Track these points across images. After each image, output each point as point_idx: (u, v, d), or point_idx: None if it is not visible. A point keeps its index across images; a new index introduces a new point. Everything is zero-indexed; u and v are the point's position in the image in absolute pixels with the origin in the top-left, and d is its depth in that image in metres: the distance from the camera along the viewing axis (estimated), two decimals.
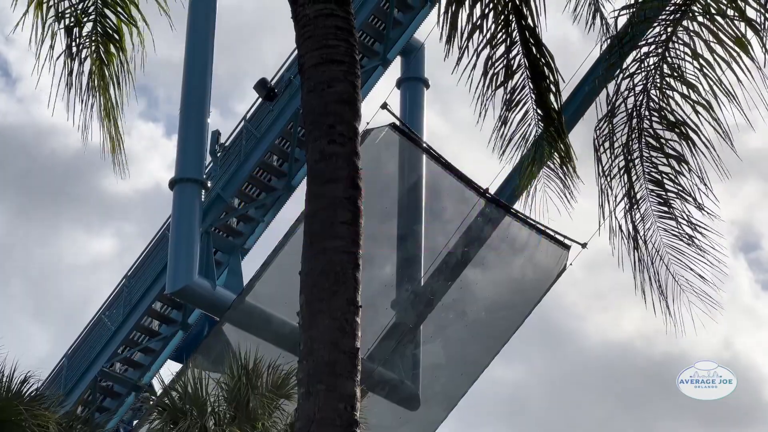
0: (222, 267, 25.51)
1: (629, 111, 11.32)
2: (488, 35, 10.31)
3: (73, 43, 11.05)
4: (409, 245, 25.30)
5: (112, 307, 26.31)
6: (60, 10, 10.96)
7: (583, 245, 24.61)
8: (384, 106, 22.75)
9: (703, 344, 47.71)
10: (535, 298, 25.49)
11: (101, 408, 26.29)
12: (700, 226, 11.68)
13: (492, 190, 24.61)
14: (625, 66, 11.19)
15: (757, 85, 10.70)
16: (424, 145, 24.68)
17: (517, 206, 25.48)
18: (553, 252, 25.08)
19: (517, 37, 10.38)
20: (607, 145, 11.54)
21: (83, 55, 11.13)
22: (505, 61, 10.47)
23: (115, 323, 25.77)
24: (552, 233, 24.91)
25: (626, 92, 11.25)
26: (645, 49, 11.29)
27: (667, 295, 11.87)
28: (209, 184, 24.73)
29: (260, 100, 25.70)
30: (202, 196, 24.52)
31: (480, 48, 10.35)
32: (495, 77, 10.60)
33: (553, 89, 10.64)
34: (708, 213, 11.59)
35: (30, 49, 10.87)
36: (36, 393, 16.76)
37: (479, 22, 10.23)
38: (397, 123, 23.66)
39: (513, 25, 10.29)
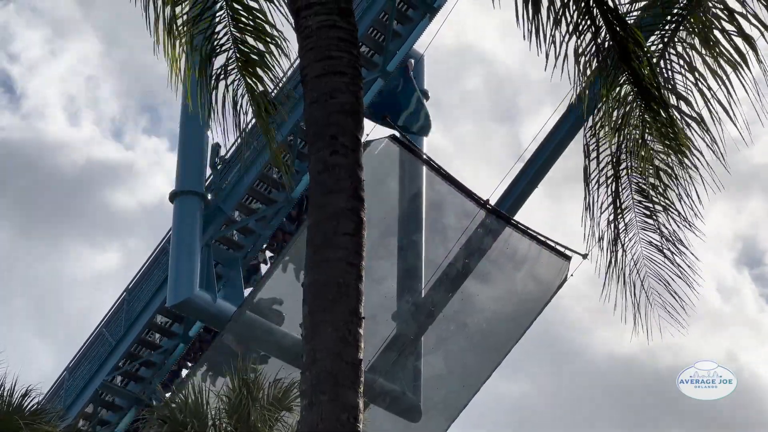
0: (222, 280, 25.49)
1: (619, 120, 11.29)
2: (572, 24, 10.21)
3: (219, 70, 11.11)
4: (409, 257, 25.28)
5: (113, 320, 26.29)
6: (205, 36, 11.02)
7: (584, 256, 24.57)
8: (384, 117, 22.76)
9: (707, 357, 47.59)
10: (536, 310, 25.45)
11: (102, 421, 26.24)
12: (680, 243, 11.68)
13: (492, 202, 24.62)
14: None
15: (761, 99, 10.69)
16: (424, 156, 24.67)
17: (519, 216, 25.53)
18: (553, 263, 25.04)
19: (601, 22, 10.28)
20: (598, 153, 11.52)
21: (227, 81, 11.20)
22: (594, 47, 10.37)
23: (116, 337, 25.74)
24: (552, 244, 24.90)
25: (616, 103, 11.22)
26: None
27: (640, 308, 11.90)
28: (209, 197, 24.73)
29: None
30: (203, 209, 24.52)
31: (566, 38, 10.25)
32: (587, 65, 10.48)
33: (646, 63, 10.56)
34: (691, 228, 11.59)
35: (164, 80, 10.95)
36: (37, 407, 16.71)
37: (560, 12, 10.15)
38: (397, 134, 23.66)
39: (594, 10, 10.21)
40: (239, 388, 17.58)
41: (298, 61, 9.94)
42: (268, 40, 11.09)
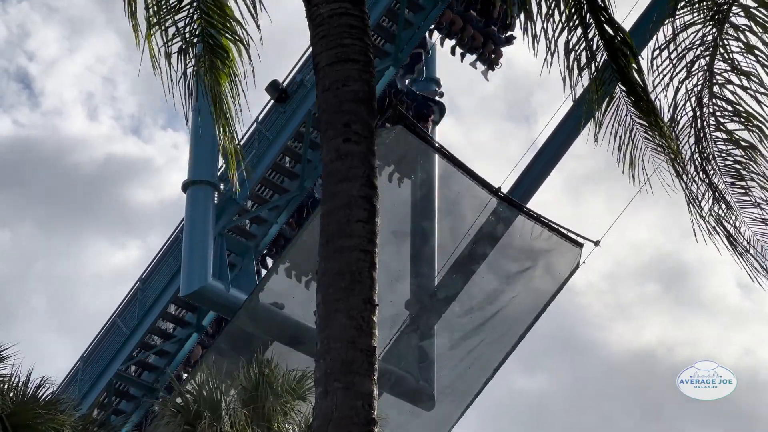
0: (236, 269, 25.51)
1: (692, 113, 11.35)
2: (563, 19, 10.31)
3: (187, 64, 11.05)
4: (421, 244, 25.28)
5: (126, 310, 26.34)
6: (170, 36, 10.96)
7: (596, 243, 24.58)
8: (396, 105, 22.75)
9: (723, 353, 47.60)
10: (548, 296, 25.47)
11: (117, 411, 26.31)
12: None
13: (504, 189, 24.62)
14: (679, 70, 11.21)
15: None
16: (436, 144, 24.67)
17: (531, 204, 25.52)
18: (565, 250, 25.05)
19: (591, 20, 10.35)
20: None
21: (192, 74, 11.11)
22: (585, 43, 10.45)
23: (129, 326, 25.80)
24: (564, 231, 24.89)
25: (686, 97, 11.26)
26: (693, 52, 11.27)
27: None
28: (222, 187, 24.74)
29: (272, 101, 25.70)
30: (215, 199, 24.54)
31: (557, 34, 10.37)
32: (577, 60, 10.55)
33: (634, 65, 10.62)
34: None
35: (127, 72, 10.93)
36: (51, 397, 16.76)
37: (552, 9, 10.23)
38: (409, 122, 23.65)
39: (585, 7, 10.28)
40: (256, 378, 17.60)
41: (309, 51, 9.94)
42: (236, 39, 10.96)
